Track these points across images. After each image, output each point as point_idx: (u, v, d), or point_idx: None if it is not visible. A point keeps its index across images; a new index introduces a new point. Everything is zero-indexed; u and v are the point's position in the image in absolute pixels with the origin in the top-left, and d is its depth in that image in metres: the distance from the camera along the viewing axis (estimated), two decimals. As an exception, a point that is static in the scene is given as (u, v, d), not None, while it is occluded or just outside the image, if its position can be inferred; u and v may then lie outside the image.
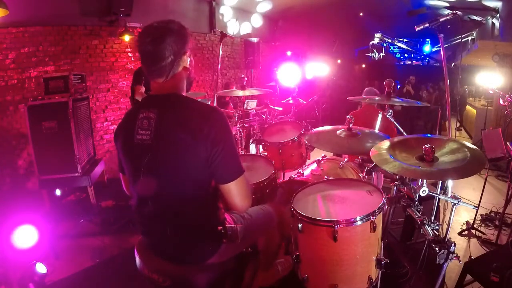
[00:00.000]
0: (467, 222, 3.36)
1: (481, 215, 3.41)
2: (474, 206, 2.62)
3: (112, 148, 5.28)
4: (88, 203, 3.68)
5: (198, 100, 1.37)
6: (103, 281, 2.58)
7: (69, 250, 2.94)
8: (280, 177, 2.82)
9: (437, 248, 1.50)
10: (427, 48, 11.74)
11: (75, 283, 2.54)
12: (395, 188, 1.91)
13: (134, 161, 1.26)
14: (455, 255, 1.52)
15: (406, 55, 12.77)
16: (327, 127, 2.38)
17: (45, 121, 3.40)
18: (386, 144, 1.76)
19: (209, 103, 4.23)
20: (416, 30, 2.19)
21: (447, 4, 6.59)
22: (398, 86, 9.40)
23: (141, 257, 1.35)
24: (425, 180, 1.60)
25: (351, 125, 2.16)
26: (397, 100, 2.23)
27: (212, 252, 1.31)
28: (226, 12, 7.45)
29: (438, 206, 2.39)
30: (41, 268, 1.94)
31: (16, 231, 1.99)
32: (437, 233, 1.59)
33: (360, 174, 2.34)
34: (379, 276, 1.57)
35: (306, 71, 7.60)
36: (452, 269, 2.38)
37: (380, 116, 2.49)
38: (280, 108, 4.16)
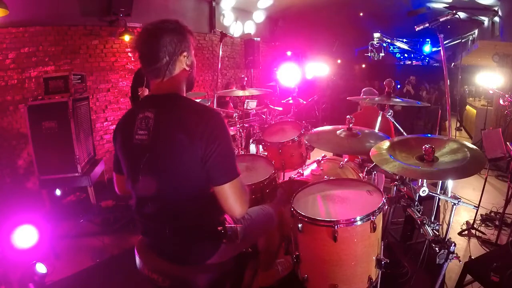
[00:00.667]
0: (467, 222, 3.36)
1: (481, 215, 3.41)
2: (474, 206, 2.61)
3: (112, 148, 5.26)
4: (88, 203, 3.68)
5: (197, 100, 1.37)
6: (103, 281, 2.58)
7: (69, 250, 2.94)
8: (280, 177, 2.82)
9: (437, 248, 1.50)
10: (427, 48, 11.73)
11: (75, 283, 2.54)
12: (395, 188, 1.91)
13: (133, 161, 1.26)
14: (455, 255, 1.52)
15: (406, 55, 12.77)
16: (327, 127, 2.38)
17: (45, 121, 3.40)
18: (386, 144, 1.76)
19: (209, 103, 4.25)
20: (416, 30, 2.19)
21: (447, 4, 6.59)
22: (398, 86, 9.40)
23: (141, 257, 1.35)
24: (425, 180, 1.60)
25: (351, 125, 2.16)
26: (397, 100, 2.23)
27: (212, 252, 1.31)
28: (226, 12, 7.45)
29: (438, 206, 2.39)
30: (41, 268, 1.94)
31: (16, 231, 1.99)
32: (437, 233, 1.59)
33: (360, 174, 2.34)
34: (379, 276, 1.57)
35: (306, 71, 7.60)
36: (452, 269, 2.38)
37: (380, 116, 2.49)
38: (280, 108, 4.16)
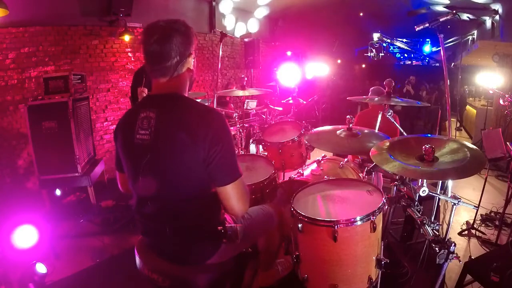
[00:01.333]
0: (467, 222, 3.36)
1: (481, 215, 3.41)
2: (474, 206, 2.61)
3: (112, 148, 5.27)
4: (88, 203, 3.68)
5: (197, 100, 1.38)
6: (103, 281, 2.58)
7: (69, 250, 2.94)
8: (280, 177, 2.82)
9: (437, 248, 1.50)
10: (427, 48, 11.74)
11: (75, 283, 2.54)
12: (395, 188, 1.91)
13: (134, 160, 1.26)
14: (455, 255, 1.52)
15: (406, 55, 12.77)
16: (327, 127, 2.38)
17: (45, 121, 3.40)
18: (386, 144, 1.76)
19: (209, 103, 4.24)
20: (416, 30, 2.18)
21: (447, 4, 6.58)
22: (398, 86, 9.40)
23: (141, 257, 1.35)
24: (425, 180, 1.60)
25: (351, 125, 2.16)
26: (397, 100, 2.23)
27: (212, 252, 1.31)
28: (226, 12, 7.45)
29: (438, 206, 2.39)
30: (41, 268, 1.95)
31: (16, 231, 1.99)
32: (437, 233, 1.59)
33: (360, 174, 2.34)
34: (379, 276, 1.57)
35: (306, 71, 7.59)
36: (452, 269, 2.38)
37: (380, 116, 2.49)
38: (280, 108, 4.16)
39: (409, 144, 1.73)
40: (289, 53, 9.08)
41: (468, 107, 9.11)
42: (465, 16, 6.49)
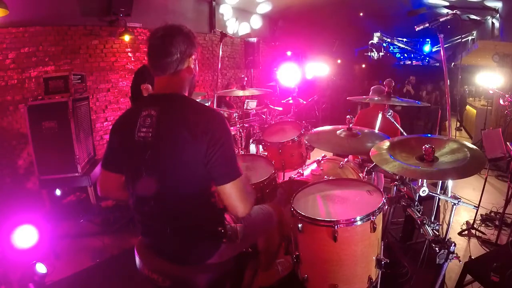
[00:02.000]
0: (467, 222, 3.36)
1: (481, 215, 3.41)
2: (474, 206, 2.61)
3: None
4: (88, 203, 3.68)
5: (198, 100, 1.39)
6: (103, 281, 2.58)
7: (69, 250, 2.94)
8: (280, 177, 2.81)
9: (437, 248, 1.50)
10: (427, 48, 11.75)
11: (75, 283, 2.54)
12: (395, 188, 1.91)
13: (135, 159, 1.26)
14: (455, 255, 1.52)
15: (406, 55, 12.78)
16: (327, 127, 2.38)
17: (45, 121, 3.40)
18: (386, 144, 1.76)
19: (209, 103, 4.24)
20: (416, 30, 2.19)
21: (447, 3, 6.59)
22: (398, 86, 9.40)
23: (141, 257, 1.35)
24: (425, 180, 1.60)
25: (351, 125, 2.16)
26: (397, 100, 2.23)
27: (212, 252, 1.31)
28: (226, 12, 7.45)
29: (438, 206, 2.39)
30: (41, 268, 1.94)
31: (16, 231, 1.99)
32: (437, 233, 1.59)
33: (360, 174, 2.34)
34: (379, 276, 1.57)
35: (306, 71, 7.59)
36: (452, 269, 2.38)
37: (380, 116, 2.49)
38: (280, 108, 4.16)
39: (409, 144, 1.73)
40: (289, 53, 9.08)
41: (468, 107, 9.12)
42: (465, 16, 6.49)
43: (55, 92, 3.50)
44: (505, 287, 1.76)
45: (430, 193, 1.64)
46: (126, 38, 5.12)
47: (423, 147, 1.54)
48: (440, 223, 1.71)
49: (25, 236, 2.01)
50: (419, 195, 1.63)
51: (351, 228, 1.44)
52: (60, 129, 3.44)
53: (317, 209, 1.59)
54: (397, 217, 2.91)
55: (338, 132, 2.19)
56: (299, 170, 2.59)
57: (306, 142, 2.62)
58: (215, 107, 3.90)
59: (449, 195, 1.68)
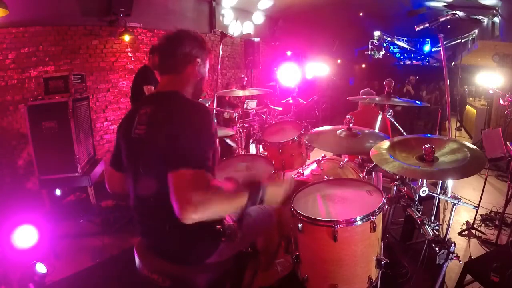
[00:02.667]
0: (467, 222, 3.36)
1: (481, 215, 3.41)
2: (474, 206, 2.62)
3: (112, 148, 5.27)
4: (88, 203, 3.68)
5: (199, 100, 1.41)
6: (103, 281, 2.58)
7: (69, 250, 2.94)
8: (280, 177, 2.81)
9: (437, 248, 1.51)
10: (427, 48, 11.74)
11: (75, 283, 2.54)
12: (395, 188, 1.91)
13: (133, 156, 1.30)
14: (455, 255, 1.52)
15: (406, 54, 12.77)
16: (327, 127, 2.38)
17: (45, 121, 3.40)
18: (386, 144, 1.76)
19: (209, 103, 4.23)
20: (416, 30, 2.19)
21: (446, 3, 6.58)
22: (398, 85, 9.40)
23: (141, 257, 1.35)
24: (425, 180, 1.60)
25: (351, 125, 2.16)
26: (397, 100, 2.23)
27: (211, 252, 1.31)
28: (226, 12, 7.45)
29: (438, 206, 2.39)
30: (41, 268, 1.95)
31: (16, 231, 1.99)
32: (437, 233, 1.59)
33: (360, 174, 2.34)
34: (379, 276, 1.57)
35: (306, 71, 7.59)
36: (452, 269, 2.38)
37: (380, 116, 2.49)
38: (280, 108, 4.16)
39: (409, 144, 1.73)
40: (289, 53, 9.08)
41: (468, 107, 9.12)
42: (463, 15, 6.48)
43: (55, 92, 3.50)
44: (505, 287, 1.76)
45: (430, 193, 1.64)
46: (126, 38, 5.12)
47: (423, 147, 1.54)
48: (440, 223, 1.71)
49: (25, 236, 2.01)
50: (419, 195, 1.63)
51: (351, 228, 1.44)
52: (60, 129, 3.44)
53: (317, 209, 1.59)
54: (397, 217, 2.91)
55: (338, 132, 2.19)
56: (299, 170, 2.59)
57: (306, 142, 2.62)
58: (215, 107, 3.90)
59: (449, 195, 1.68)
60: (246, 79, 3.29)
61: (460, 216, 3.52)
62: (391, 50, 12.46)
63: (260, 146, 3.07)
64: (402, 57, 12.92)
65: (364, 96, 3.19)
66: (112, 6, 4.85)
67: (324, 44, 10.83)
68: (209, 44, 7.08)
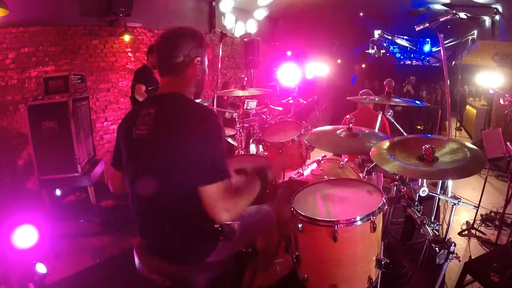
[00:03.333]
0: (467, 222, 3.36)
1: (481, 215, 3.41)
2: (474, 206, 2.62)
3: (112, 148, 5.26)
4: (88, 203, 3.68)
5: (197, 101, 1.41)
6: (103, 281, 2.58)
7: (69, 250, 2.94)
8: (280, 177, 2.81)
9: (437, 248, 1.50)
10: (427, 48, 11.74)
11: (75, 283, 2.54)
12: (395, 188, 1.91)
13: (133, 156, 1.30)
14: (455, 255, 1.52)
15: (406, 54, 12.76)
16: (327, 127, 2.38)
17: (45, 121, 3.40)
18: (386, 144, 1.76)
19: (208, 103, 4.23)
20: (416, 30, 2.19)
21: (446, 1, 6.56)
22: (398, 85, 9.40)
23: (140, 258, 1.35)
24: (425, 180, 1.60)
25: (351, 125, 2.16)
26: (397, 100, 2.23)
27: (210, 251, 1.31)
28: (226, 12, 7.44)
29: (438, 206, 2.39)
30: (41, 268, 1.95)
31: (16, 231, 1.99)
32: (437, 233, 1.59)
33: (360, 174, 2.34)
34: (379, 276, 1.57)
35: (306, 71, 7.59)
36: (452, 269, 2.38)
37: (380, 116, 2.49)
38: (280, 108, 4.15)
39: (409, 144, 1.73)
40: (289, 53, 9.08)
41: (468, 107, 9.11)
42: (463, 15, 6.47)
43: (55, 92, 3.50)
44: (505, 287, 1.76)
45: (430, 193, 1.64)
46: (126, 38, 5.12)
47: (423, 147, 1.54)
48: (440, 223, 1.71)
49: (25, 236, 2.01)
50: (419, 195, 1.63)
51: (351, 228, 1.44)
52: (60, 129, 3.44)
53: (317, 209, 1.59)
54: (397, 217, 2.91)
55: (338, 132, 2.19)
56: (299, 170, 2.58)
57: (306, 142, 2.62)
58: (215, 107, 3.90)
59: (449, 195, 1.68)
60: (246, 79, 3.28)
61: (460, 216, 3.51)
62: (391, 50, 12.44)
63: (260, 146, 3.07)
64: (402, 57, 12.90)
65: (364, 96, 3.19)
66: (112, 6, 4.85)
67: (324, 44, 10.83)
68: (210, 43, 7.08)
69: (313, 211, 1.55)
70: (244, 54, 7.33)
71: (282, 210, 1.84)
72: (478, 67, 8.19)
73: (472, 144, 1.62)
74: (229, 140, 4.52)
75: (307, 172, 2.53)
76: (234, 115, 3.54)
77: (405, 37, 10.25)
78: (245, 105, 5.50)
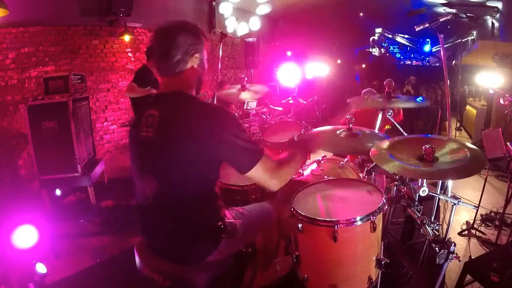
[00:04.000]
0: (467, 222, 3.36)
1: (481, 215, 3.41)
2: (474, 206, 2.61)
3: (112, 148, 5.28)
4: (88, 203, 3.68)
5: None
6: (103, 281, 2.58)
7: (69, 250, 2.94)
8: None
9: (437, 248, 1.50)
10: (427, 48, 11.75)
11: (75, 283, 2.54)
12: (395, 188, 1.91)
13: (140, 158, 1.30)
14: (455, 255, 1.52)
15: (406, 54, 12.75)
16: (327, 127, 2.38)
17: (45, 121, 3.40)
18: (386, 144, 1.76)
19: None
20: (416, 30, 2.19)
21: (445, 1, 6.55)
22: (399, 85, 9.39)
23: (141, 257, 1.35)
24: (425, 180, 1.60)
25: (351, 125, 2.16)
26: (397, 99, 2.23)
27: (212, 249, 1.31)
28: (226, 12, 7.44)
29: (438, 206, 2.39)
30: (41, 268, 1.95)
31: (16, 231, 1.99)
32: (437, 233, 1.59)
33: (360, 174, 2.34)
34: (379, 276, 1.57)
35: (306, 71, 7.59)
36: (452, 269, 2.38)
37: (380, 116, 2.49)
38: (280, 108, 4.16)
39: (409, 144, 1.73)
40: (289, 53, 9.07)
41: (468, 107, 9.11)
42: (463, 15, 6.46)
43: (55, 92, 3.51)
44: (505, 287, 1.76)
45: (430, 193, 1.64)
46: (126, 38, 5.12)
47: (423, 147, 1.54)
48: (440, 223, 1.72)
49: (25, 236, 2.01)
50: (419, 195, 1.63)
51: (351, 228, 1.44)
52: (60, 129, 3.44)
53: (317, 209, 1.59)
54: (397, 217, 2.91)
55: (338, 132, 2.19)
56: (299, 170, 2.58)
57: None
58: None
59: (449, 195, 1.68)
60: (246, 79, 3.28)
61: (460, 216, 3.51)
62: (391, 50, 12.42)
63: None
64: (402, 57, 12.90)
65: (365, 96, 3.19)
66: (112, 6, 4.84)
67: (324, 44, 10.83)
68: (210, 43, 7.08)
69: (313, 211, 1.55)
70: (244, 54, 7.34)
71: (282, 210, 1.84)
72: (478, 67, 8.19)
73: (472, 144, 1.62)
74: None
75: (307, 172, 2.53)
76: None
77: (406, 36, 10.25)
78: (245, 105, 5.50)
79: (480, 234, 3.16)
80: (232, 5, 7.44)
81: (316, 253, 1.53)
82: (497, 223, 3.27)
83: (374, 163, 1.76)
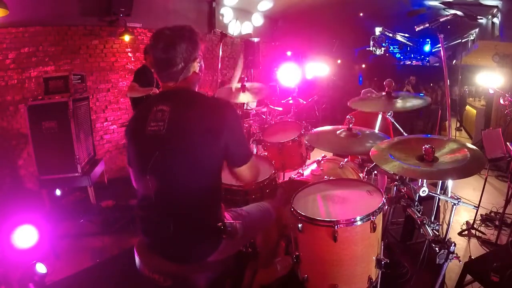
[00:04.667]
0: (467, 222, 3.36)
1: (481, 215, 3.41)
2: (474, 206, 2.62)
3: (112, 148, 5.28)
4: (88, 203, 3.68)
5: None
6: (103, 281, 2.58)
7: (69, 250, 2.94)
8: (280, 177, 2.81)
9: (437, 248, 1.50)
10: (427, 48, 11.75)
11: (75, 283, 2.54)
12: (395, 188, 1.91)
13: (144, 153, 1.28)
14: (455, 255, 1.52)
15: (406, 54, 12.76)
16: (327, 127, 2.38)
17: (45, 121, 3.40)
18: (386, 144, 1.76)
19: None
20: (416, 30, 2.19)
21: (446, 2, 6.55)
22: (399, 85, 9.40)
23: (141, 257, 1.35)
24: (425, 180, 1.60)
25: (351, 125, 2.16)
26: (399, 94, 2.23)
27: (212, 250, 1.32)
28: (226, 12, 7.44)
29: (438, 206, 2.39)
30: (41, 268, 1.94)
31: (16, 231, 1.99)
32: (437, 233, 1.59)
33: (360, 174, 2.34)
34: (379, 276, 1.58)
35: (306, 71, 7.59)
36: (452, 269, 2.38)
37: (380, 116, 2.49)
38: (280, 108, 4.16)
39: (409, 144, 1.73)
40: (289, 53, 9.07)
41: (468, 107, 9.11)
42: (463, 15, 6.47)
43: (55, 92, 3.51)
44: (505, 287, 1.76)
45: (430, 193, 1.64)
46: (126, 38, 5.12)
47: (423, 147, 1.54)
48: (440, 223, 1.71)
49: (25, 236, 2.01)
50: (419, 195, 1.63)
51: (351, 228, 1.44)
52: (60, 129, 3.44)
53: (317, 209, 1.59)
54: (397, 217, 2.91)
55: (338, 132, 2.19)
56: (299, 170, 2.58)
57: (306, 142, 2.62)
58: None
59: (449, 195, 1.68)
60: (246, 79, 3.28)
61: (460, 216, 3.51)
62: (391, 50, 12.43)
63: (260, 146, 3.07)
64: (402, 57, 12.91)
65: (368, 94, 3.19)
66: (112, 6, 4.84)
67: (324, 44, 10.83)
68: (209, 44, 7.08)
69: (313, 211, 1.55)
70: (244, 54, 7.33)
71: (282, 210, 1.84)
72: (478, 67, 8.19)
73: (472, 144, 1.62)
74: None
75: (307, 172, 2.53)
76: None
77: (406, 35, 10.25)
78: (245, 105, 5.49)
79: (480, 234, 3.16)
80: (232, 5, 7.44)
81: (316, 253, 1.53)
82: (497, 223, 3.27)
83: (374, 163, 1.76)
